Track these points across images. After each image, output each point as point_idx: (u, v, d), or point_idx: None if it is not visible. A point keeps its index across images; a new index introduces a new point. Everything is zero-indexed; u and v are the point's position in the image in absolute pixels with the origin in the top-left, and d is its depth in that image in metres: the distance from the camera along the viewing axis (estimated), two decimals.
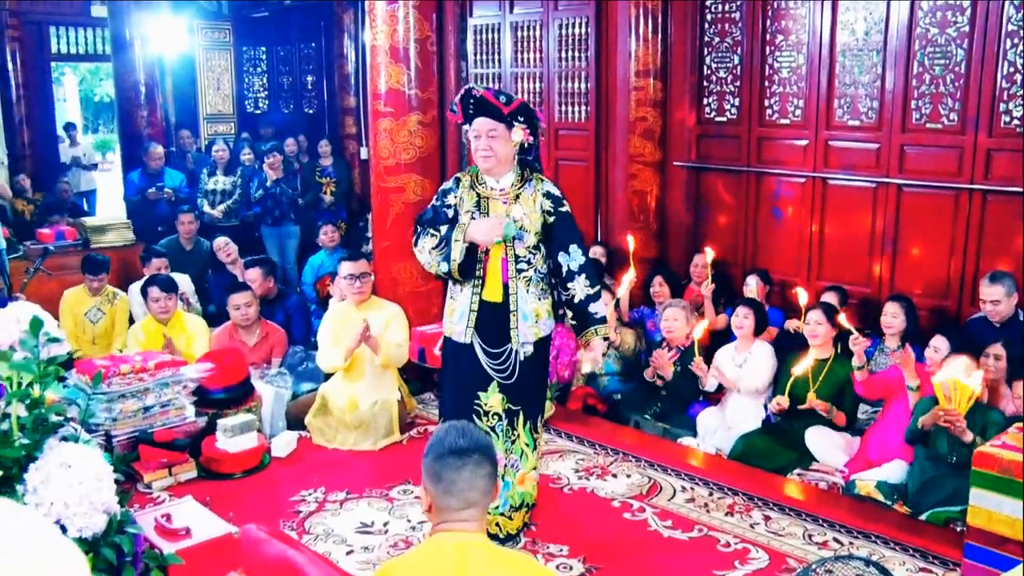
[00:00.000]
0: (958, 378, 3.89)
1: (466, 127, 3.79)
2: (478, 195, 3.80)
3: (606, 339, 3.90)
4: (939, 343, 4.61)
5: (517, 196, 3.75)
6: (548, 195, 3.78)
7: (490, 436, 3.81)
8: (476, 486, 2.13)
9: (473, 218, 3.76)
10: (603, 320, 3.81)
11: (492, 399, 3.81)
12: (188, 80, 11.42)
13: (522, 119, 3.69)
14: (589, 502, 4.33)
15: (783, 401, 4.84)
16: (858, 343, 4.71)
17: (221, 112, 11.74)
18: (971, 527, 3.47)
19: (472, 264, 3.74)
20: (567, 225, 3.78)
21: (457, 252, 3.68)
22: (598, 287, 3.81)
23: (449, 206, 3.84)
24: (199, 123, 11.53)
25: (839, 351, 5.03)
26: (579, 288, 3.75)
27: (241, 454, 4.57)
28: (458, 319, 3.83)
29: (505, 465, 3.83)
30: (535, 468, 3.96)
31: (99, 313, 6.28)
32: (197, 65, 11.44)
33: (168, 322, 5.58)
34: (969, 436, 3.97)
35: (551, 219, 3.76)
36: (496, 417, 3.82)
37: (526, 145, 3.76)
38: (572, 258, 3.75)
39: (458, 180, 3.89)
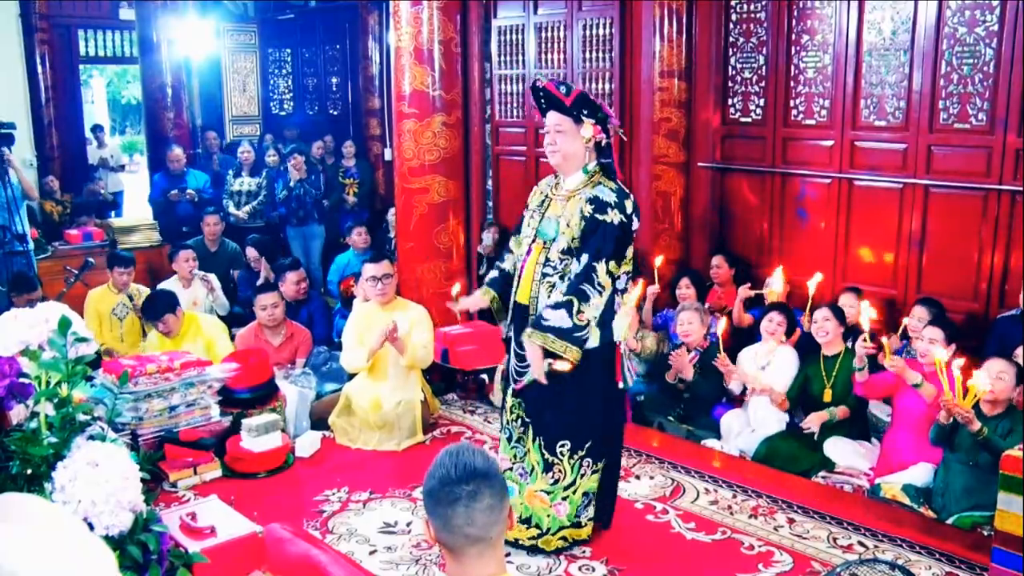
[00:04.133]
0: (973, 377, 3.85)
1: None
2: (545, 195, 3.75)
3: (552, 357, 3.46)
4: (934, 334, 4.53)
5: (569, 199, 3.59)
6: (593, 200, 3.50)
7: (506, 433, 3.81)
8: (474, 520, 1.83)
9: (532, 217, 3.73)
10: (549, 330, 3.41)
11: (513, 400, 3.80)
12: (214, 82, 11.52)
13: (587, 112, 3.53)
14: None
15: (825, 416, 4.82)
16: (864, 348, 4.63)
17: (247, 114, 11.82)
18: (999, 531, 3.43)
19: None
20: (593, 232, 3.47)
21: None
22: (569, 298, 3.41)
23: (527, 206, 3.83)
24: (225, 125, 11.62)
25: (850, 347, 5.00)
26: (556, 291, 3.51)
27: (265, 454, 4.60)
28: (507, 315, 3.85)
29: (511, 470, 3.75)
30: (548, 491, 3.68)
31: (125, 309, 6.33)
32: (223, 67, 11.53)
33: (181, 333, 5.49)
34: (976, 425, 3.88)
35: (583, 224, 3.50)
36: (516, 418, 3.80)
37: (602, 144, 3.59)
38: (576, 264, 3.50)
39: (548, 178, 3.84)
